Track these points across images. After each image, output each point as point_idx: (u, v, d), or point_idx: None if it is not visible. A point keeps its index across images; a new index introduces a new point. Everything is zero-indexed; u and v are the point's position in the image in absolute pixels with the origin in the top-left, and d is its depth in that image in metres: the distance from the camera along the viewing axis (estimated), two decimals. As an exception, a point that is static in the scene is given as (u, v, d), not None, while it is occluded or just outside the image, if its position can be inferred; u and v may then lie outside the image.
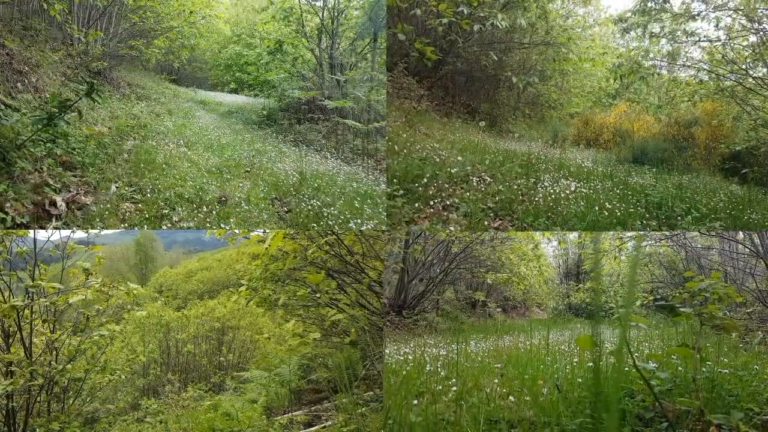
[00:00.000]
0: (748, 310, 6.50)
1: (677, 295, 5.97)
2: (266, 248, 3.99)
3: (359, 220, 4.63)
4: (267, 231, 4.11)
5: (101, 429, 5.37)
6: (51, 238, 4.14)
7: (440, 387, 2.84)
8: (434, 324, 9.58)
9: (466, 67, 10.35)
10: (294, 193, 5.10)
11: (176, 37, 9.97)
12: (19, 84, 5.29)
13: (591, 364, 3.02)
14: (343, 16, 8.98)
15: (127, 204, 4.10)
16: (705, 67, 8.64)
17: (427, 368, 3.38)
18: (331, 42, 8.88)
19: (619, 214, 4.26)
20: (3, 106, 4.46)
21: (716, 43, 8.09)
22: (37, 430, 3.69)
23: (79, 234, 4.13)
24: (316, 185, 5.35)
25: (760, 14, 7.43)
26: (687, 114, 10.64)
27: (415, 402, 2.43)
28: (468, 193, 4.62)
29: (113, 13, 8.49)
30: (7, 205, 3.46)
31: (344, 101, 7.74)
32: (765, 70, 7.89)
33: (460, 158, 5.60)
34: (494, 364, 3.80)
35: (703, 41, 8.19)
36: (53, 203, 3.72)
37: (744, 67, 7.80)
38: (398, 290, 9.58)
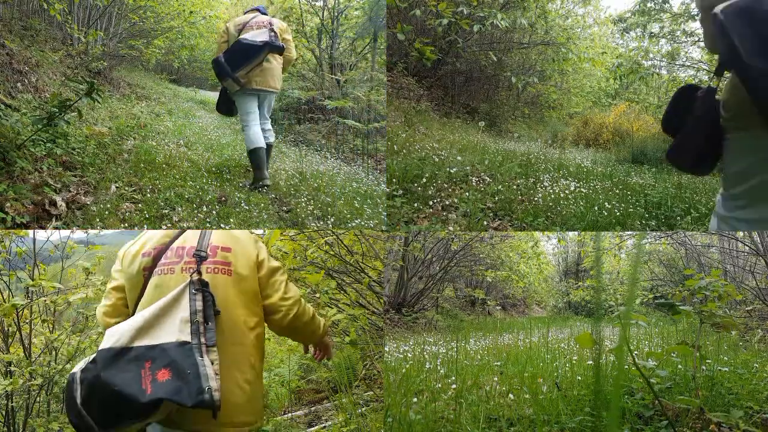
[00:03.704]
0: (748, 308, 6.50)
1: (677, 293, 5.97)
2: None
3: (359, 220, 4.63)
4: (267, 231, 4.12)
5: (101, 429, 5.37)
6: (51, 238, 4.14)
7: (440, 385, 2.84)
8: (434, 322, 9.59)
9: (466, 67, 10.36)
10: (294, 193, 5.10)
11: (176, 37, 9.97)
12: (19, 84, 5.29)
13: (591, 362, 3.03)
14: (343, 16, 8.98)
15: (127, 204, 4.11)
16: (705, 67, 8.65)
17: (427, 366, 3.39)
18: (331, 42, 8.89)
19: (618, 214, 4.26)
20: (3, 106, 4.47)
21: (715, 43, 8.10)
22: (37, 430, 3.69)
23: (79, 234, 4.13)
24: (316, 185, 5.35)
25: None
26: (686, 114, 10.62)
27: (415, 400, 2.43)
28: (467, 193, 4.63)
29: (113, 13, 8.50)
30: (7, 205, 3.47)
31: (344, 101, 7.75)
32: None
33: (459, 158, 5.61)
34: (494, 362, 3.81)
35: (702, 41, 8.20)
36: (53, 203, 3.73)
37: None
38: (398, 288, 9.59)
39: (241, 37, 4.37)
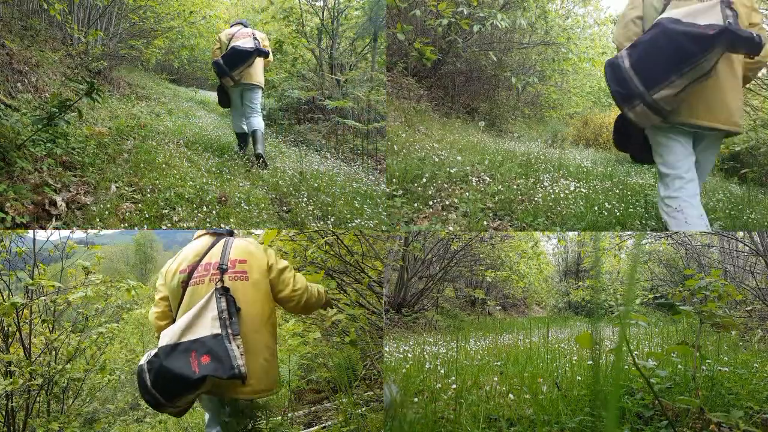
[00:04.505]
0: (748, 308, 6.50)
1: (677, 293, 5.97)
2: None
3: (359, 220, 4.63)
4: (265, 231, 4.12)
5: (101, 429, 5.38)
6: (50, 238, 4.15)
7: (440, 385, 2.84)
8: (434, 322, 9.59)
9: (466, 67, 10.36)
10: (294, 193, 5.10)
11: (176, 37, 9.97)
12: (19, 84, 5.29)
13: (590, 362, 3.03)
14: (343, 16, 8.98)
15: (127, 204, 4.10)
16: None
17: (427, 366, 3.39)
18: (331, 42, 8.89)
19: (618, 214, 4.26)
20: (3, 106, 4.47)
21: (715, 43, 8.07)
22: (37, 430, 3.69)
23: (79, 234, 4.14)
24: (316, 185, 5.36)
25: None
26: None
27: (415, 400, 2.44)
28: (467, 193, 4.63)
29: (113, 13, 8.50)
30: (7, 205, 3.47)
31: (344, 101, 7.74)
32: (764, 70, 7.89)
33: (459, 158, 5.61)
34: (494, 362, 3.81)
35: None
36: (53, 203, 3.73)
37: (743, 66, 7.79)
38: (398, 288, 9.59)
39: (234, 44, 5.52)
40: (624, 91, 2.58)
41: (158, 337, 2.47)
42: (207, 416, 2.71)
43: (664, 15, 2.60)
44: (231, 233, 2.83)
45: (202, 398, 2.57)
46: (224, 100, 5.97)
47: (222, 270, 2.49)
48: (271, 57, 5.94)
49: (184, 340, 2.29)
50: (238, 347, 2.29)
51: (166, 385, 2.24)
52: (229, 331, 2.30)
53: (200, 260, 2.57)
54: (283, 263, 2.67)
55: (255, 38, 5.62)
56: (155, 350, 2.33)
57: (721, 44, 2.38)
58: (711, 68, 2.45)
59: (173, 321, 2.53)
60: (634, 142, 2.97)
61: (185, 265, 2.59)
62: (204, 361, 2.22)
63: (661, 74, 2.46)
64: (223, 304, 2.35)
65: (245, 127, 5.97)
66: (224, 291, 2.40)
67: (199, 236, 2.78)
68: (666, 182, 2.89)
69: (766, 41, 2.60)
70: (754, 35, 2.41)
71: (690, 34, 2.38)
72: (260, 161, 5.70)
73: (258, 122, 5.89)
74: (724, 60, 2.56)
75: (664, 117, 2.57)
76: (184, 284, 2.53)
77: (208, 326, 2.31)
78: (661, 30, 2.48)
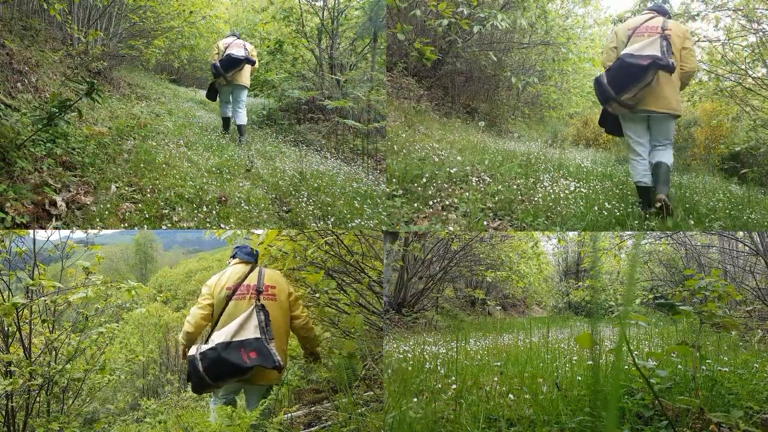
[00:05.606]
0: (748, 308, 6.50)
1: (677, 293, 5.97)
2: (265, 248, 4.00)
3: (359, 220, 4.63)
4: (267, 231, 4.11)
5: (101, 429, 5.37)
6: (51, 238, 4.14)
7: (440, 385, 2.84)
8: (434, 322, 9.59)
9: (466, 67, 10.36)
10: (294, 193, 5.10)
11: (176, 37, 9.96)
12: (19, 84, 5.29)
13: (590, 362, 3.03)
14: (343, 16, 8.97)
15: (127, 204, 4.10)
16: (704, 67, 8.61)
17: (427, 366, 3.39)
18: (331, 42, 8.88)
19: (618, 214, 4.26)
20: (3, 106, 4.46)
21: (716, 43, 8.07)
22: (37, 430, 3.69)
23: (79, 234, 4.13)
24: (316, 185, 5.35)
25: (760, 14, 7.42)
26: (686, 114, 10.62)
27: (415, 400, 2.43)
28: (467, 193, 4.63)
29: (113, 13, 8.49)
30: (7, 205, 3.47)
31: (344, 101, 7.74)
32: (764, 70, 7.88)
33: (459, 158, 5.61)
34: (494, 362, 3.81)
35: (702, 41, 8.17)
36: (53, 203, 3.73)
37: (743, 67, 7.79)
38: (398, 288, 9.58)
39: (228, 52, 7.02)
40: (604, 96, 4.20)
41: (190, 332, 3.39)
42: (213, 398, 3.51)
43: (626, 50, 4.11)
44: (257, 261, 3.70)
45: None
46: (212, 95, 7.44)
47: (259, 292, 3.44)
48: (257, 65, 7.43)
49: (234, 340, 3.14)
50: (274, 347, 3.22)
51: (220, 371, 3.06)
52: (267, 336, 3.23)
53: (241, 282, 3.49)
54: (298, 293, 3.70)
55: (245, 48, 7.13)
56: (207, 345, 3.17)
57: (653, 68, 3.95)
58: (651, 80, 4.01)
59: (213, 322, 3.44)
60: (610, 121, 4.52)
61: (231, 283, 3.49)
62: (252, 355, 3.09)
63: (623, 86, 4.07)
64: (262, 317, 3.28)
65: (229, 113, 7.45)
66: (262, 307, 3.34)
67: (236, 263, 3.64)
68: (629, 146, 4.44)
69: (690, 60, 4.17)
70: (670, 63, 3.92)
71: (634, 65, 3.99)
72: (243, 140, 7.26)
73: (243, 118, 7.43)
74: (662, 73, 4.03)
75: (629, 108, 4.17)
76: (228, 298, 3.44)
77: (251, 331, 3.20)
78: (620, 61, 4.09)
